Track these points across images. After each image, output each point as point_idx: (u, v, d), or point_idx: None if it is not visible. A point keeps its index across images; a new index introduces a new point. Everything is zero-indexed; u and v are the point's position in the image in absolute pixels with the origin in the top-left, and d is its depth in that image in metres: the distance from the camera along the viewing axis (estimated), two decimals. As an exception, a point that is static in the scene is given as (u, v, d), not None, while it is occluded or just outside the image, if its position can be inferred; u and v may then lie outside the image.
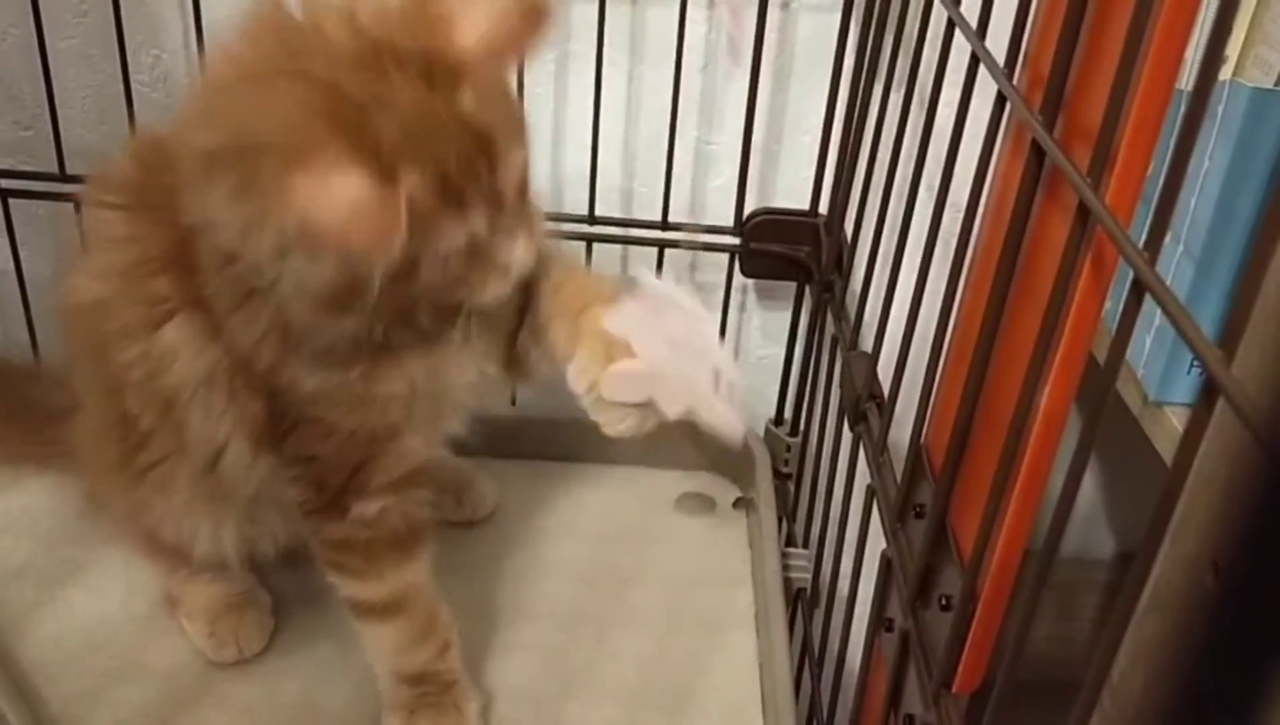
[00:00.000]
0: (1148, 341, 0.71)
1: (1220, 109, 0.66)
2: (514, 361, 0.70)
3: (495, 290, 0.59)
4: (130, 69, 0.91)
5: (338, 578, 0.69)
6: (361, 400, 0.63)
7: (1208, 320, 0.68)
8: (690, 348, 0.59)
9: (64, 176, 0.95)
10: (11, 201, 0.96)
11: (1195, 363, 0.69)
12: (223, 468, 0.67)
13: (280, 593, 0.82)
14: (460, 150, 0.53)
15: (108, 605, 0.81)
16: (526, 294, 0.67)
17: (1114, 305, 0.67)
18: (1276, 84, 0.64)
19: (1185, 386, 0.71)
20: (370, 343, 0.60)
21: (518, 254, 0.58)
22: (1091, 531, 1.13)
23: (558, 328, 0.65)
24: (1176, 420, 0.70)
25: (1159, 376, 0.71)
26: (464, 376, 0.67)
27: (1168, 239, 0.68)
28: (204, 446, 0.66)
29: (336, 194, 0.49)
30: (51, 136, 0.93)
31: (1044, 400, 0.52)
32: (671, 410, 0.60)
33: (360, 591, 0.69)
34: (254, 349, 0.61)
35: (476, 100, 0.54)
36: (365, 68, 0.52)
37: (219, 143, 0.52)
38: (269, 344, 0.61)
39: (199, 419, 0.65)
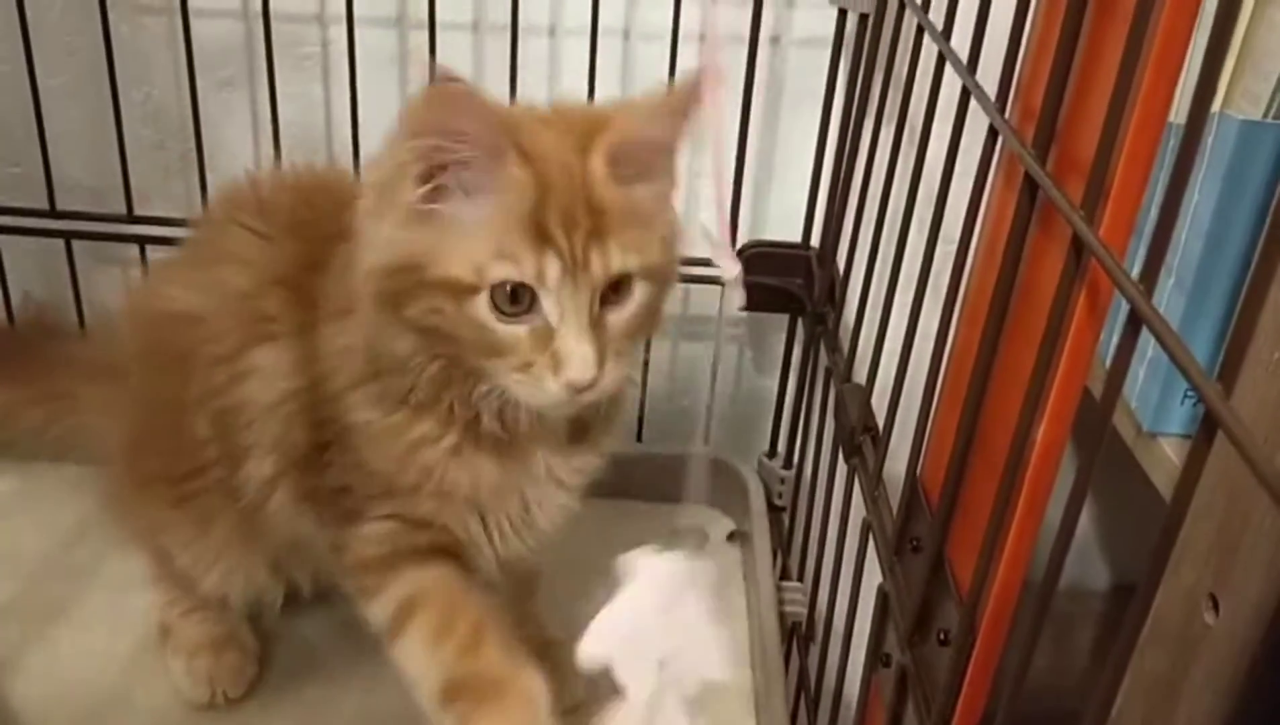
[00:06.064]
0: (1141, 372, 0.71)
1: (1210, 141, 0.66)
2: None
3: (544, 387, 0.55)
4: (121, 105, 0.91)
5: (362, 602, 0.65)
6: (431, 492, 0.62)
7: (1200, 351, 0.68)
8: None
9: (54, 213, 0.95)
10: (1, 238, 0.96)
11: (1189, 394, 0.69)
12: (268, 512, 0.67)
13: (272, 636, 0.81)
14: (572, 202, 0.54)
15: (94, 643, 0.80)
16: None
17: (1107, 336, 0.67)
18: (1265, 116, 0.65)
19: (1179, 417, 0.70)
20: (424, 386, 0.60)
21: (580, 354, 0.54)
22: (1086, 562, 1.12)
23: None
24: (1171, 451, 0.70)
25: (1153, 407, 0.71)
26: (539, 498, 0.66)
27: (1160, 270, 0.68)
28: (255, 484, 0.66)
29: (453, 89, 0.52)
30: (42, 173, 0.93)
31: (1040, 434, 0.52)
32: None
33: (375, 611, 0.64)
34: (335, 362, 0.62)
35: (609, 182, 0.55)
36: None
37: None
38: (348, 361, 0.61)
39: (254, 445, 0.65)
